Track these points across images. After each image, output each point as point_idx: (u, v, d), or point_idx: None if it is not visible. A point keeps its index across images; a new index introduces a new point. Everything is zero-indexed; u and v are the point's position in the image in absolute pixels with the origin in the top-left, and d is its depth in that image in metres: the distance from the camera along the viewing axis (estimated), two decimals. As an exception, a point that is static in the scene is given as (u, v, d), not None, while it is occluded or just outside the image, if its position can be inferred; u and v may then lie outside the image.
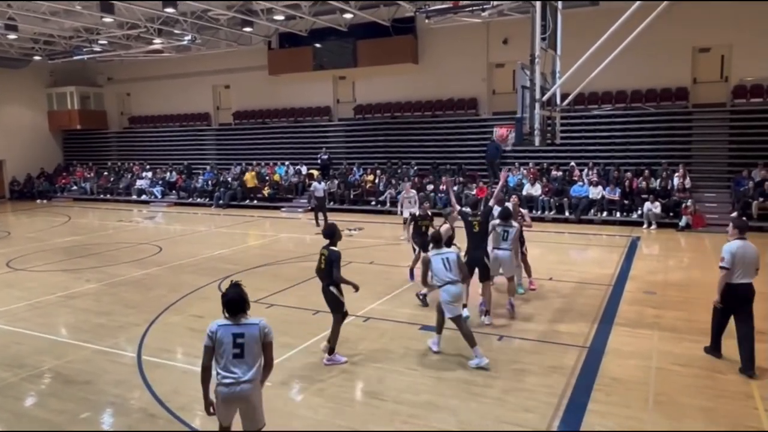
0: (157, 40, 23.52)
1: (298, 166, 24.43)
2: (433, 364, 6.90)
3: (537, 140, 9.19)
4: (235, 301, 4.19)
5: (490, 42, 21.15)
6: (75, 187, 29.05)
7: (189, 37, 22.90)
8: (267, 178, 24.09)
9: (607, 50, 8.81)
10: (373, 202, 21.36)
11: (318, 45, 23.48)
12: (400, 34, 21.99)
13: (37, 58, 27.34)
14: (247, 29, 22.05)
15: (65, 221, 21.22)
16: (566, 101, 10.36)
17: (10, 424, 5.82)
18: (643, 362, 6.85)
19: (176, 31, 22.58)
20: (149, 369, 6.93)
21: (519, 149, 18.38)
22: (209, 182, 25.08)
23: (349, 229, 16.47)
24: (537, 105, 9.10)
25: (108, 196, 27.40)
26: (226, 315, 4.21)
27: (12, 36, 23.42)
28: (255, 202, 23.44)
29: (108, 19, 20.77)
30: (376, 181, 21.85)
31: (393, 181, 21.33)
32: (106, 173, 28.87)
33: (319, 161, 23.78)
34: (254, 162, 25.61)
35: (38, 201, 27.97)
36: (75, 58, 25.75)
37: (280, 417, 5.58)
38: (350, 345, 7.52)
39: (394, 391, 6.20)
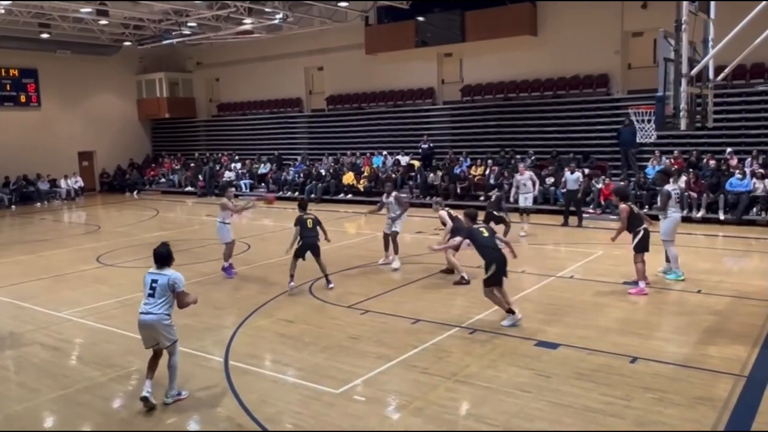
0: (248, 20, 24.76)
1: (397, 156, 24.75)
2: (550, 386, 6.75)
3: (683, 123, 8.67)
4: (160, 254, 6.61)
5: (626, 6, 20.24)
6: (163, 180, 31.31)
7: (280, 15, 23.89)
8: (362, 170, 24.60)
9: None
10: (482, 197, 21.15)
11: (421, 18, 23.59)
12: (516, 2, 21.63)
13: (127, 43, 29.80)
14: (343, 3, 22.60)
15: (153, 215, 22.97)
16: (722, 75, 9.74)
17: (98, 424, 6.43)
18: (820, 398, 6.30)
19: (267, 10, 23.65)
20: (236, 375, 7.35)
21: (661, 134, 17.48)
22: (300, 174, 26.04)
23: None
24: (683, 80, 8.58)
25: (196, 189, 29.24)
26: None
27: (103, 21, 25.65)
28: (350, 196, 24.03)
29: None
30: (487, 172, 21.63)
31: (506, 173, 20.99)
32: (192, 165, 30.80)
33: (420, 150, 23.95)
34: (348, 152, 26.28)
35: (127, 194, 30.41)
36: (164, 42, 27.75)
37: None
38: (454, 360, 7.54)
39: (503, 415, 6.13)
